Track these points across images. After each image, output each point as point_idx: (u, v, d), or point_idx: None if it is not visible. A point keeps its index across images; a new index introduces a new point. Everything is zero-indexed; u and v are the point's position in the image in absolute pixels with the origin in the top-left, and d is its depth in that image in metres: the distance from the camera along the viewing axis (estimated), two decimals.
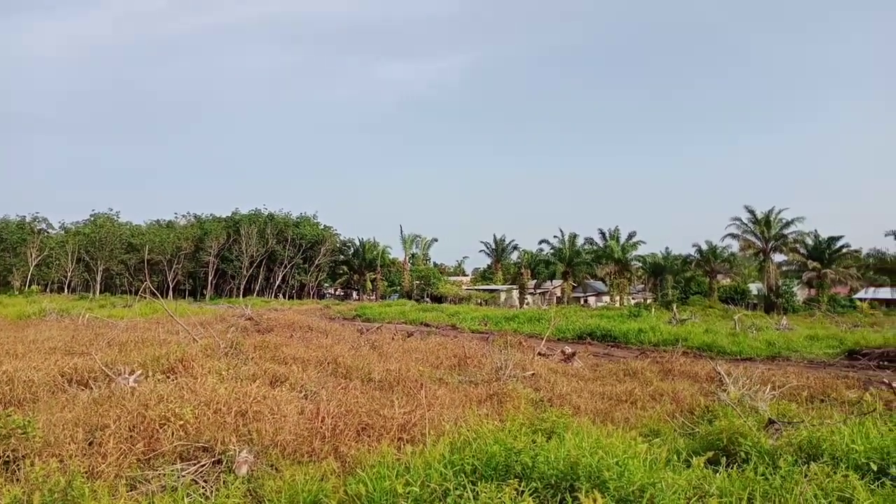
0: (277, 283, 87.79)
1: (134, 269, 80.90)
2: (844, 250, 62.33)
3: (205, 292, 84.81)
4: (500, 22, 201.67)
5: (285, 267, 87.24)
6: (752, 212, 62.86)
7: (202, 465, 5.88)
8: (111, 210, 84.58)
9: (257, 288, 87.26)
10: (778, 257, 63.43)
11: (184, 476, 5.64)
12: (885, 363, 18.62)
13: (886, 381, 12.10)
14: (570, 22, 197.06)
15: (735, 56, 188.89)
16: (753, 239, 62.82)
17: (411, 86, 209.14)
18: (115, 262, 79.10)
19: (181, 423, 6.31)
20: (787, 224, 61.66)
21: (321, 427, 6.83)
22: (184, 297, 79.47)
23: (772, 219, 61.89)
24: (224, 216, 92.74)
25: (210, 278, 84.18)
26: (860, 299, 69.65)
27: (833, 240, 62.14)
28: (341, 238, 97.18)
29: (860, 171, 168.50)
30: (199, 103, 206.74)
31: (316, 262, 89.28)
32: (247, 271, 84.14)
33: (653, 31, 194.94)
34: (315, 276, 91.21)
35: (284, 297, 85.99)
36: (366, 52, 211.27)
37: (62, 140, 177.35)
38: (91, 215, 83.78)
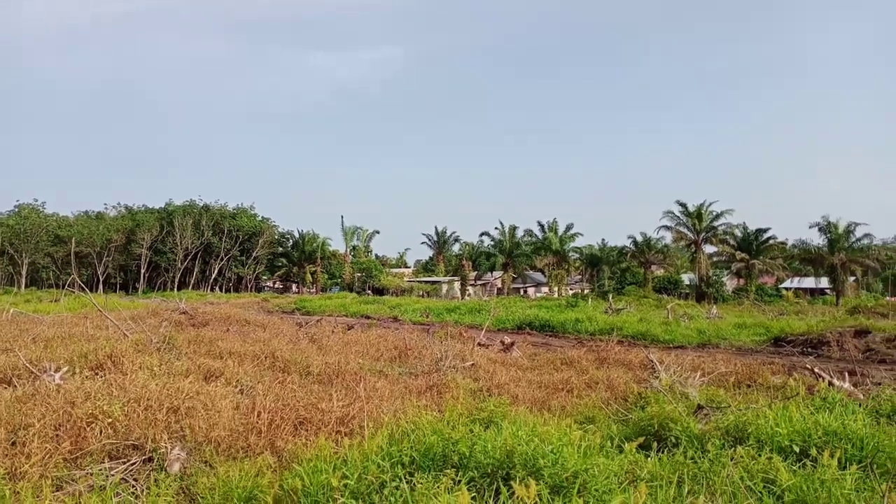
0: (213, 275, 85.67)
1: (61, 263, 77.78)
2: (771, 242, 65.19)
3: (137, 286, 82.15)
4: (437, 14, 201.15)
5: (222, 259, 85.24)
6: (683, 205, 64.96)
7: (132, 464, 5.72)
8: (36, 201, 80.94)
9: (192, 281, 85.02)
10: (709, 248, 65.83)
11: (113, 475, 5.47)
12: (809, 349, 19.51)
13: (809, 367, 12.66)
14: (502, 16, 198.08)
15: (661, 54, 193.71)
16: (686, 231, 64.91)
17: (347, 76, 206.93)
18: (40, 254, 75.90)
19: (110, 420, 6.11)
20: (717, 216, 63.99)
21: (257, 422, 6.72)
22: (115, 291, 76.64)
23: (703, 211, 64.06)
24: (157, 207, 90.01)
25: (142, 271, 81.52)
26: (786, 288, 72.97)
27: (760, 232, 64.91)
28: (280, 230, 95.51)
29: (787, 165, 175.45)
30: (128, 92, 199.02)
31: (254, 254, 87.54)
32: (181, 264, 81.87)
33: (583, 28, 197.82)
34: (253, 269, 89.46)
35: (221, 291, 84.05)
36: (297, 42, 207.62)
37: None
38: (15, 206, 79.91)
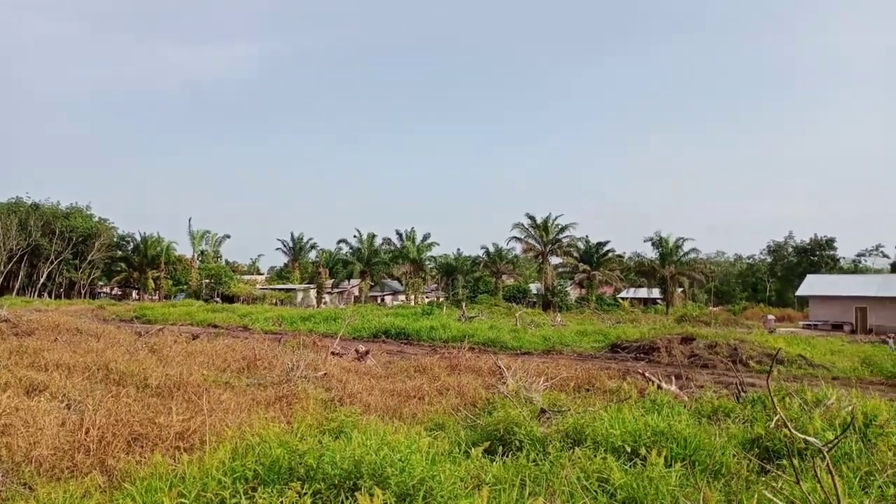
0: (42, 280, 78.21)
1: None
2: (610, 255, 70.11)
3: None
4: (292, 13, 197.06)
5: (52, 263, 78.06)
6: (532, 217, 68.01)
7: None
8: None
9: (17, 286, 77.05)
10: (554, 260, 69.39)
11: None
12: (641, 355, 21.07)
13: (641, 371, 13.71)
14: (352, 15, 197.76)
15: (525, 74, 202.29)
16: (534, 242, 67.95)
17: (199, 72, 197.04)
18: None
19: None
20: (563, 229, 67.60)
21: (85, 439, 6.23)
22: None
23: (549, 224, 67.41)
24: None
25: None
26: (623, 298, 78.33)
27: (601, 245, 69.63)
28: (119, 232, 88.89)
29: (624, 181, 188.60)
30: None
31: (89, 257, 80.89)
32: (4, 267, 74.05)
33: (434, 35, 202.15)
34: (87, 274, 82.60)
35: (50, 297, 76.84)
36: (145, 32, 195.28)
37: None
38: None
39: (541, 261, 68.59)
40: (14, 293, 73.12)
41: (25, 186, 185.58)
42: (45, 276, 78.17)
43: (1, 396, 7.12)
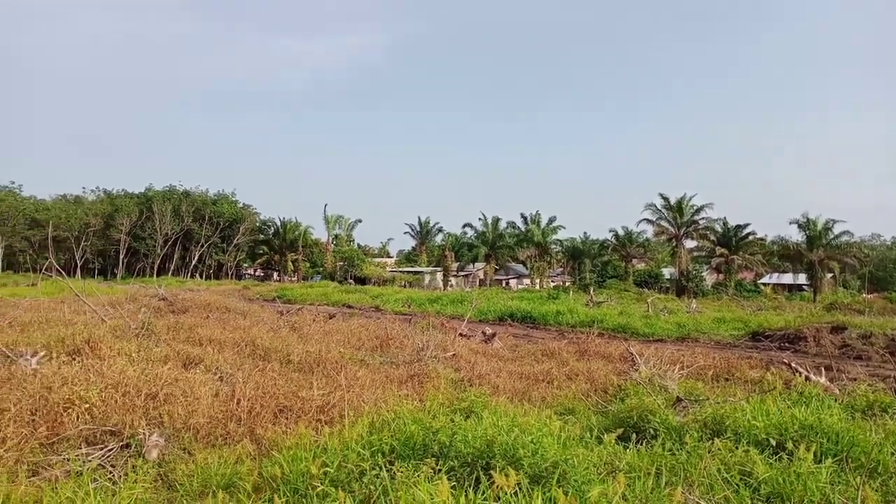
0: (194, 262, 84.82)
1: (38, 246, 76.48)
2: (751, 238, 65.87)
3: (116, 271, 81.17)
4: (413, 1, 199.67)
5: (202, 246, 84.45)
6: (665, 198, 65.28)
7: (110, 450, 5.66)
8: (13, 183, 79.58)
9: (172, 267, 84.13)
10: (689, 243, 66.30)
11: (90, 461, 5.42)
12: (786, 344, 19.74)
13: (786, 362, 12.85)
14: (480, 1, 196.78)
15: (642, 43, 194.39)
16: (667, 225, 65.30)
17: (325, 63, 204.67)
18: (17, 238, 74.61)
19: (87, 406, 6.05)
20: (698, 210, 64.28)
21: (237, 409, 6.69)
22: (93, 276, 75.82)
23: (683, 205, 64.39)
24: (137, 193, 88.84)
25: (121, 257, 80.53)
26: (764, 284, 73.72)
27: (740, 227, 65.51)
28: (261, 217, 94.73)
29: (767, 161, 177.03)
30: (102, 74, 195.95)
31: (234, 241, 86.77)
32: (161, 250, 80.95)
33: (566, 14, 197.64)
34: (234, 256, 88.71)
35: (201, 278, 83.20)
36: (273, 27, 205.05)
37: None
38: None
39: (674, 244, 65.88)
40: (169, 274, 79.90)
41: (177, 175, 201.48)
42: (196, 258, 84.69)
43: (163, 368, 7.80)
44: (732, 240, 64.96)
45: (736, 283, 66.71)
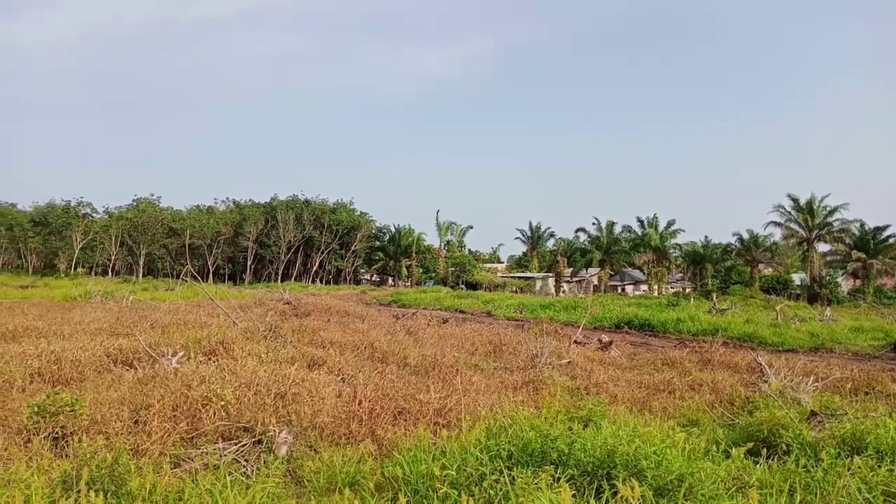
0: (314, 268, 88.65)
1: (175, 254, 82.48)
2: (892, 240, 60.40)
3: (244, 276, 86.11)
4: (522, 5, 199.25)
5: (322, 252, 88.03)
6: (795, 199, 61.16)
7: (243, 445, 6.01)
8: (153, 195, 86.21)
9: (295, 273, 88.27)
10: (822, 247, 61.76)
11: (226, 455, 5.77)
12: None
13: None
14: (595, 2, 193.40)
15: (766, 45, 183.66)
16: (796, 227, 61.21)
17: (434, 71, 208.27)
18: (156, 246, 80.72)
19: (222, 403, 6.44)
20: (832, 211, 59.77)
21: (358, 410, 6.91)
22: (223, 281, 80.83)
23: (815, 206, 60.11)
24: (262, 202, 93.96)
25: (249, 263, 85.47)
26: None
27: (879, 230, 60.26)
28: (377, 224, 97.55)
29: None
30: (227, 92, 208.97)
31: (352, 247, 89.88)
32: (284, 256, 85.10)
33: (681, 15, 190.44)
34: (351, 262, 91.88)
35: (321, 283, 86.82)
36: (385, 39, 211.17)
37: (93, 128, 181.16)
38: (133, 200, 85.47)
39: (805, 248, 61.55)
40: (292, 279, 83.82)
41: (301, 185, 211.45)
42: (317, 264, 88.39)
43: (290, 369, 8.19)
44: (871, 243, 59.90)
45: (875, 290, 61.41)
